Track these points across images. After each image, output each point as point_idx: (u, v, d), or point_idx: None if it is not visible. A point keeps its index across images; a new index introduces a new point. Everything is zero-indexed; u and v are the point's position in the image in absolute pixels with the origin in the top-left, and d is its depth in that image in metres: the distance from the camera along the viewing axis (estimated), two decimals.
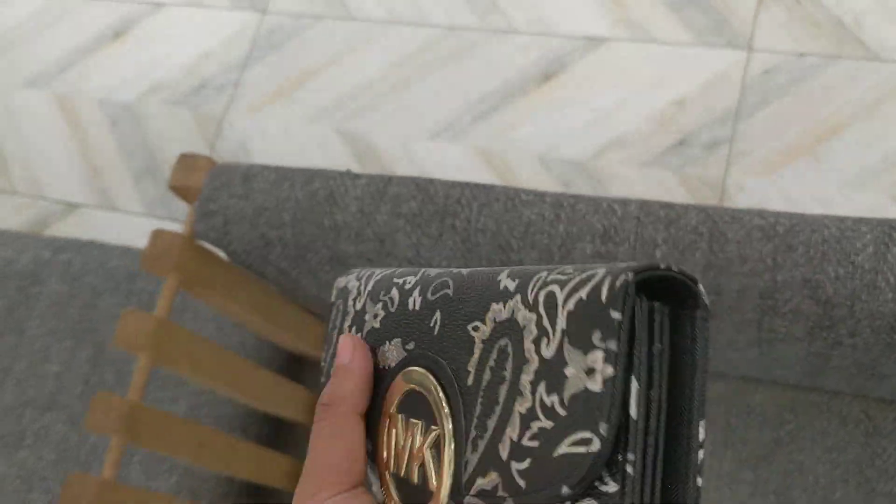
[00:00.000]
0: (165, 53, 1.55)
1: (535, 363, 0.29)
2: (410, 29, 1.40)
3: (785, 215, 0.51)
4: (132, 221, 1.44)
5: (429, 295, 0.37)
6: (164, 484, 0.80)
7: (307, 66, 1.45)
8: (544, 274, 0.31)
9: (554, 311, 0.29)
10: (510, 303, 0.31)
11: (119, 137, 1.52)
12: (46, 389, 0.85)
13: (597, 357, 0.27)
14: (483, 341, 0.32)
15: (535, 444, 0.29)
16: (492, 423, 0.30)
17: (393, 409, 0.37)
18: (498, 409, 0.30)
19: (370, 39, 1.42)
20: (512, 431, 0.29)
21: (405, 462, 0.36)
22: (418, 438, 0.35)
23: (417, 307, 0.37)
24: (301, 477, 0.37)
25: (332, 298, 0.44)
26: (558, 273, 0.30)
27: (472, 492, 0.31)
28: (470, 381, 0.32)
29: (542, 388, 0.29)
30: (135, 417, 0.60)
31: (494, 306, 0.32)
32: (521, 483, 0.29)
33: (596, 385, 0.27)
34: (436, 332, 0.35)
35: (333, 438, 0.37)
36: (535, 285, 0.30)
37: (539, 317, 0.30)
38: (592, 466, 0.27)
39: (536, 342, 0.29)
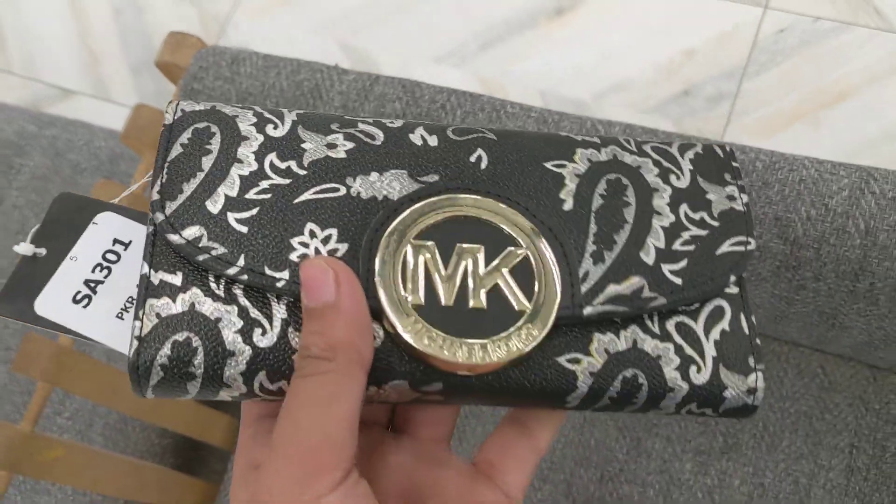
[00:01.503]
0: None
1: (668, 191, 0.36)
2: None
3: (766, 152, 0.51)
4: (125, 114, 1.43)
5: (451, 135, 0.37)
6: (123, 366, 0.81)
7: None
8: (627, 138, 0.39)
9: (672, 158, 0.38)
10: (605, 150, 0.37)
11: (121, 28, 1.50)
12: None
13: (734, 189, 0.37)
14: (578, 175, 0.36)
15: (690, 248, 0.35)
16: (621, 237, 0.35)
17: (409, 238, 0.33)
18: (628, 226, 0.35)
19: None
20: (656, 241, 0.35)
21: (456, 288, 0.33)
22: (481, 262, 0.33)
23: (434, 143, 0.36)
24: (273, 461, 0.29)
25: (171, 119, 0.36)
26: (642, 139, 0.39)
27: (600, 300, 0.33)
28: (567, 206, 0.35)
29: (684, 207, 0.36)
30: None
31: (582, 151, 0.37)
32: (677, 281, 0.34)
33: (740, 206, 0.37)
34: (484, 167, 0.36)
35: (330, 403, 0.29)
36: (629, 142, 0.38)
37: (656, 161, 0.37)
38: (747, 261, 0.35)
39: (663, 177, 0.37)
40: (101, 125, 0.96)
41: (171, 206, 0.33)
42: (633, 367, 0.33)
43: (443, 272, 0.33)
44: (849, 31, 1.16)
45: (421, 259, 0.33)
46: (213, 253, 0.32)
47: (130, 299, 0.35)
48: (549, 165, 0.36)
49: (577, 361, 0.33)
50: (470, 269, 0.33)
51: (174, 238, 0.32)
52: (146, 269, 0.33)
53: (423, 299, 0.32)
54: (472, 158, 0.36)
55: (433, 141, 0.36)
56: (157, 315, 0.32)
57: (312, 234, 0.33)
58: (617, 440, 0.68)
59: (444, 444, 0.38)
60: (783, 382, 0.66)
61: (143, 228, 0.36)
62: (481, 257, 0.33)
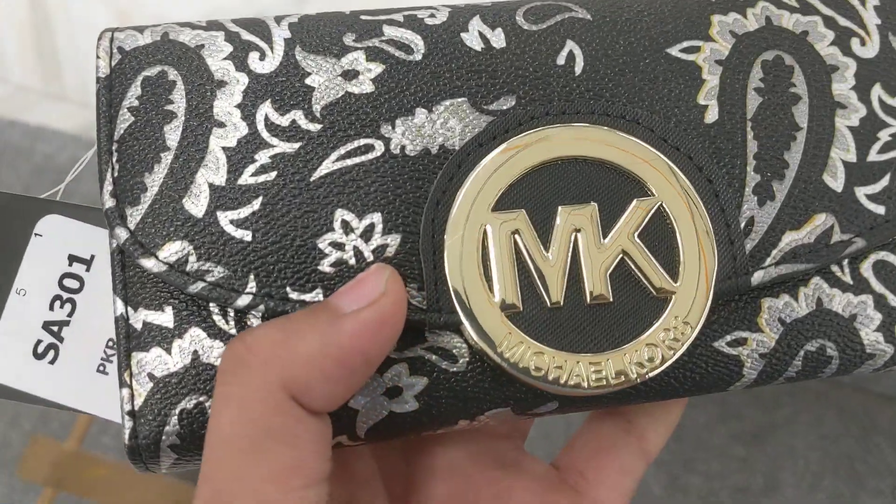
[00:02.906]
0: None
1: (852, 67, 0.25)
2: None
3: None
4: None
5: (522, 23, 0.25)
6: None
7: None
8: None
9: (850, 9, 0.26)
10: (753, 11, 0.25)
11: None
12: None
13: None
14: (719, 62, 0.25)
15: (891, 154, 0.25)
16: (794, 155, 0.24)
17: (486, 209, 0.23)
18: (802, 135, 0.24)
19: None
20: (843, 152, 0.25)
21: (565, 276, 0.23)
22: (597, 229, 0.23)
23: (501, 44, 0.24)
24: None
25: (108, 68, 0.25)
26: None
27: (773, 259, 0.24)
28: (712, 116, 0.24)
29: (877, 91, 0.25)
30: None
31: (720, 19, 0.25)
32: (878, 210, 0.24)
33: None
34: (579, 71, 0.24)
35: (257, 450, 0.20)
36: None
37: (828, 18, 0.25)
38: None
39: (841, 44, 0.25)
40: None
41: (134, 215, 0.24)
42: (818, 338, 0.25)
43: (542, 255, 0.23)
44: None
45: (508, 239, 0.23)
46: (210, 278, 0.23)
47: (111, 343, 0.26)
48: (674, 52, 0.25)
49: (742, 342, 0.25)
50: (581, 242, 0.23)
51: (149, 263, 0.23)
52: (121, 307, 0.23)
53: (520, 301, 0.23)
54: (561, 59, 0.25)
55: (498, 39, 0.25)
56: (150, 376, 0.23)
57: (347, 228, 0.23)
58: (654, 475, 0.67)
59: (517, 441, 0.30)
60: (824, 422, 0.65)
61: (104, 234, 0.26)
62: (595, 220, 0.23)
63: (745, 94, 0.25)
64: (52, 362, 0.25)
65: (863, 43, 0.26)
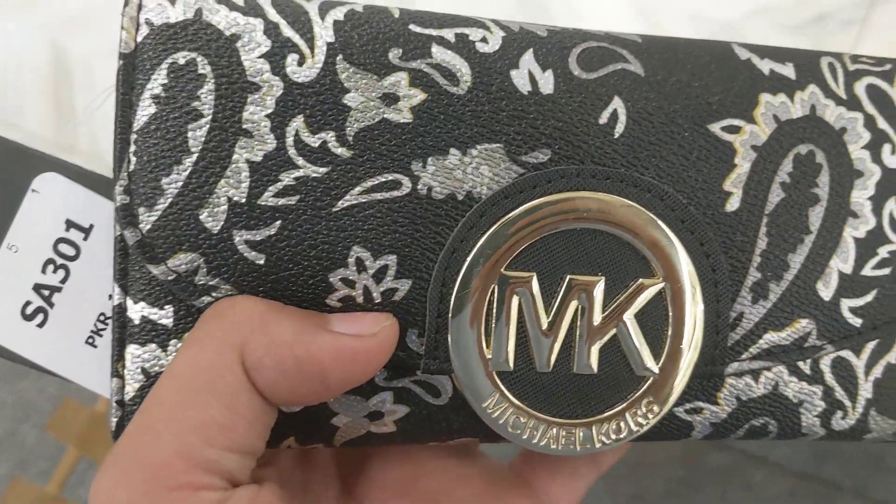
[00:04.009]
0: None
1: (876, 175, 0.25)
2: None
3: None
4: None
5: (574, 68, 0.24)
6: None
7: None
8: (834, 60, 0.25)
9: (892, 111, 0.25)
10: (803, 95, 0.25)
11: None
12: None
13: None
14: (755, 148, 0.25)
15: (884, 271, 0.25)
16: (797, 258, 0.25)
17: (500, 265, 0.23)
18: (810, 240, 0.25)
19: None
20: (842, 262, 0.25)
21: (559, 345, 0.24)
22: (598, 303, 0.24)
23: (549, 89, 0.24)
24: (107, 470, 0.20)
25: (133, 44, 0.22)
26: (855, 60, 0.26)
27: (749, 354, 0.25)
28: (733, 204, 0.25)
29: (890, 204, 0.25)
30: None
31: (768, 99, 0.25)
32: (855, 322, 0.25)
33: None
34: (619, 134, 0.24)
35: (199, 395, 0.20)
36: (835, 72, 0.25)
37: (869, 117, 0.25)
38: None
39: (874, 148, 0.25)
40: None
41: (147, 218, 0.22)
42: (765, 416, 0.26)
43: (543, 321, 0.24)
44: None
45: (514, 301, 0.24)
46: (217, 294, 0.22)
47: (103, 317, 0.25)
48: (715, 129, 0.25)
49: (698, 411, 0.26)
50: (581, 314, 0.24)
51: (156, 270, 0.22)
52: (119, 296, 0.23)
53: (511, 363, 0.24)
54: (604, 118, 0.24)
55: (547, 83, 0.24)
56: (144, 371, 0.23)
57: (360, 266, 0.23)
58: None
59: (473, 441, 0.30)
60: None
61: (106, 204, 0.25)
62: (599, 294, 0.24)
63: (769, 187, 0.25)
64: (40, 325, 0.24)
65: (893, 151, 0.26)
